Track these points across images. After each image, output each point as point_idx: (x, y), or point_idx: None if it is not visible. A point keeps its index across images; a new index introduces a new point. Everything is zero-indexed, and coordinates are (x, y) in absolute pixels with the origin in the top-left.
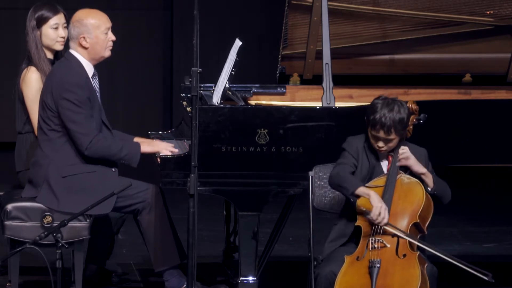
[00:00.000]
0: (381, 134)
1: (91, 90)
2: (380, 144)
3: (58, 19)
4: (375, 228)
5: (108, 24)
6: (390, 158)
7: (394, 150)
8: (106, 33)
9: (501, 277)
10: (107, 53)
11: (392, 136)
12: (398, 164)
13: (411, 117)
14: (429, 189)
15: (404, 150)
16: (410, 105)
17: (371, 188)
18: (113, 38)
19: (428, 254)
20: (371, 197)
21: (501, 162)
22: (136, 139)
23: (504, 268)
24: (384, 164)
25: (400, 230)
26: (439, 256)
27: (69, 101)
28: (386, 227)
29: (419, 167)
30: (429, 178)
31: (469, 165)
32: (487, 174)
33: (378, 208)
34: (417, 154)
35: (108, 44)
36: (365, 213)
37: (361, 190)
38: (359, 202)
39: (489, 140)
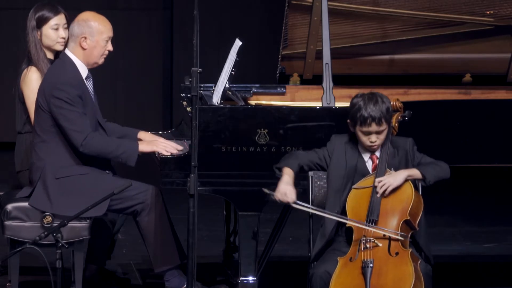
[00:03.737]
0: (373, 127)
1: (84, 90)
2: (373, 138)
3: (58, 20)
4: (366, 229)
5: (111, 33)
6: (375, 158)
7: (381, 148)
8: (107, 41)
9: (501, 277)
10: (101, 61)
11: (383, 126)
12: (380, 195)
13: (396, 114)
14: (423, 183)
15: (380, 183)
16: (395, 103)
17: (359, 189)
18: (111, 48)
19: (424, 254)
20: (281, 179)
21: (501, 162)
22: (141, 133)
23: (504, 268)
24: (369, 165)
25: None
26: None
27: (60, 99)
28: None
29: (401, 177)
30: (416, 174)
31: (469, 165)
32: (487, 174)
33: (282, 189)
34: (401, 145)
35: (105, 53)
36: (270, 195)
37: (284, 169)
38: None
39: (489, 140)
